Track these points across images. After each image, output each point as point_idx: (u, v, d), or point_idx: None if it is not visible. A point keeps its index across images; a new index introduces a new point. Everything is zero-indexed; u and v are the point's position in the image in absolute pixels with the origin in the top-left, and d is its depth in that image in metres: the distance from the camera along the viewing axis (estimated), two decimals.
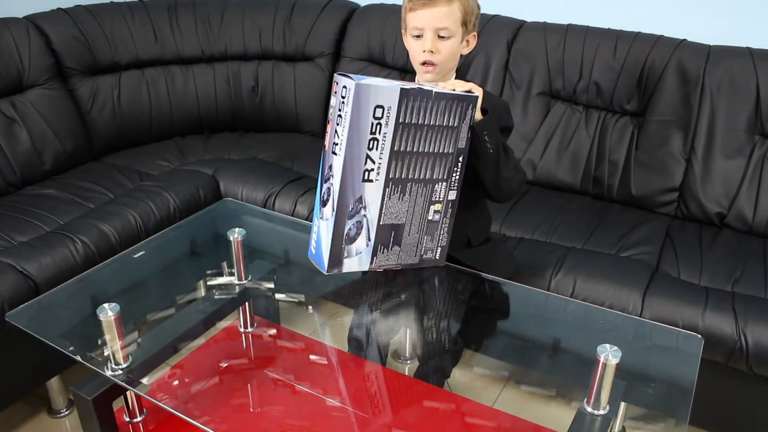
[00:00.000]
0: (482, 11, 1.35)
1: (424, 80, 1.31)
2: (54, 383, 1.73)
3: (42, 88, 2.07)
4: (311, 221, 1.23)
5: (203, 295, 1.32)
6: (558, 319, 1.26)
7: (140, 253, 1.43)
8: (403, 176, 1.12)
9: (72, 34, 2.16)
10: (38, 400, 1.79)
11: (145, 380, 1.07)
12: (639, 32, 1.95)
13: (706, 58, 1.84)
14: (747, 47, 1.85)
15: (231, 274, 1.35)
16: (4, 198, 1.90)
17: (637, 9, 2.05)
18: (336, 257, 1.11)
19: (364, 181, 1.10)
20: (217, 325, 1.31)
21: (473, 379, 1.10)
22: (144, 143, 2.33)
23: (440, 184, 1.15)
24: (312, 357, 1.31)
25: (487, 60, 2.10)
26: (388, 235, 1.12)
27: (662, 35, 1.93)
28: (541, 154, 2.04)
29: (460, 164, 1.16)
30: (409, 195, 1.14)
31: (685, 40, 1.91)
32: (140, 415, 1.28)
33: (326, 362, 1.29)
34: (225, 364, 1.25)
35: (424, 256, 1.18)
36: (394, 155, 1.11)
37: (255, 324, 1.38)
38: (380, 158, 1.10)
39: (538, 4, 2.18)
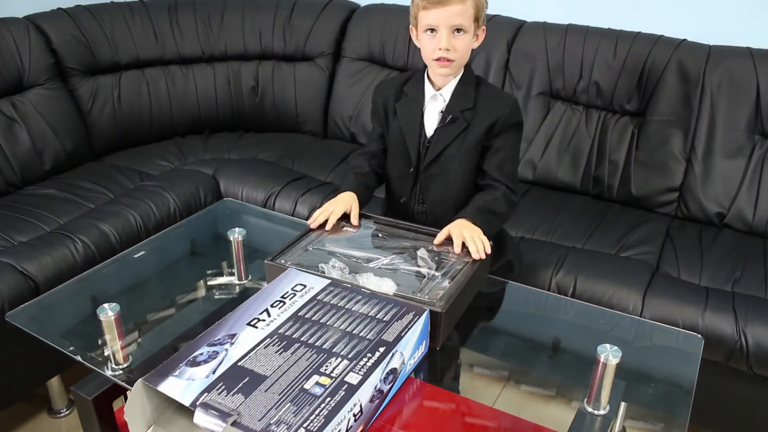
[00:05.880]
0: None
1: (439, 74, 1.32)
2: (54, 383, 1.73)
3: (42, 88, 2.07)
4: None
5: (203, 295, 1.32)
6: (558, 319, 1.26)
7: (140, 253, 1.43)
8: (294, 336, 0.99)
9: (72, 34, 2.16)
10: (38, 400, 1.79)
11: None
12: (639, 32, 1.95)
13: (706, 58, 1.84)
14: (747, 47, 1.85)
15: (231, 273, 1.34)
16: (4, 198, 1.90)
17: (637, 9, 2.05)
18: (163, 370, 0.90)
19: (248, 324, 1.01)
20: None
21: (473, 379, 1.10)
22: (144, 143, 2.33)
23: (337, 359, 0.94)
24: None
25: (487, 60, 2.10)
26: (238, 380, 0.89)
27: (662, 35, 1.93)
28: (541, 154, 2.04)
29: (383, 360, 0.94)
30: (291, 353, 0.95)
31: (685, 40, 1.91)
32: None
33: None
34: None
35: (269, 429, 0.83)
36: (295, 317, 1.03)
37: None
38: (278, 315, 1.03)
39: (538, 4, 2.18)
